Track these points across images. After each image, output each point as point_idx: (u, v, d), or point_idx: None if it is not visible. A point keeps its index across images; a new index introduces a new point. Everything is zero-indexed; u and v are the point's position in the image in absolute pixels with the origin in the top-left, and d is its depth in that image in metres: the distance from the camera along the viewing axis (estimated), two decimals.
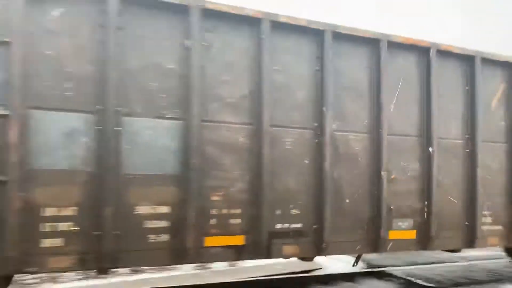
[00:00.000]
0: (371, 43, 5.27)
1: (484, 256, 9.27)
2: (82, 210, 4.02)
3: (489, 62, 5.99)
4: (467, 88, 5.85)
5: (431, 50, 5.55)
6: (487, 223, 5.90)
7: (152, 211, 4.27)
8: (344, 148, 5.12)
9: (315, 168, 4.93)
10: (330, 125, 4.97)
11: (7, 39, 3.81)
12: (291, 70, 4.91)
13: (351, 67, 5.20)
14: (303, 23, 4.90)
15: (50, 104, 3.96)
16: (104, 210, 4.04)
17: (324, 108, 4.96)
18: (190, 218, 4.34)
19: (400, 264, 8.26)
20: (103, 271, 4.24)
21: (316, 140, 4.96)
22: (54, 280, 6.48)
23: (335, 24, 5.04)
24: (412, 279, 7.05)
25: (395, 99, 5.41)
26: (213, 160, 4.49)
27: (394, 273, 7.43)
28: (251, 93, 4.70)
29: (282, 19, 4.81)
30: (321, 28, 4.95)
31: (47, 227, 3.92)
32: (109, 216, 4.05)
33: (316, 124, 4.98)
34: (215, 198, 4.49)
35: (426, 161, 5.52)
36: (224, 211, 4.54)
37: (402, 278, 7.16)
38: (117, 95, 4.13)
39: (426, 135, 5.52)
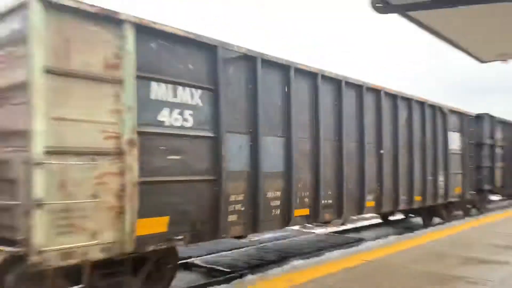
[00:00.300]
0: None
1: (275, 237, 11.43)
2: (246, 196, 6.36)
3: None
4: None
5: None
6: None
7: (273, 195, 6.84)
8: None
9: (335, 165, 8.20)
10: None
11: (212, 87, 5.92)
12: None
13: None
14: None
15: (232, 129, 6.17)
16: (257, 196, 6.45)
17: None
18: (291, 198, 7.05)
19: (203, 254, 8.96)
20: (244, 236, 6.76)
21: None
22: None
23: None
24: (215, 266, 7.98)
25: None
26: (297, 162, 7.25)
27: (198, 262, 8.22)
28: (310, 118, 7.64)
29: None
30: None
31: (231, 208, 6.14)
32: (261, 200, 6.51)
33: (337, 137, 8.23)
34: (299, 186, 7.29)
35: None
36: (302, 194, 7.38)
37: (205, 266, 8.02)
38: (259, 122, 6.55)
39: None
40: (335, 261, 7.23)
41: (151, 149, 5.13)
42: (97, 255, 4.59)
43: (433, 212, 13.31)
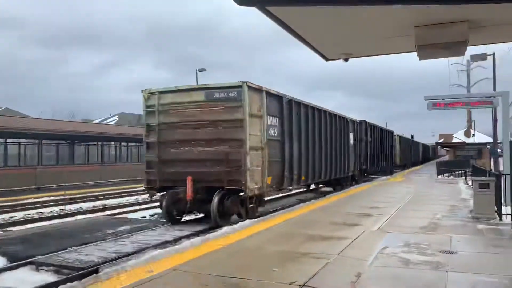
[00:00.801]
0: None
1: (131, 229, 10.72)
2: (288, 169, 14.03)
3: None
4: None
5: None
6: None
7: (297, 170, 14.83)
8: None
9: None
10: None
11: (280, 116, 13.35)
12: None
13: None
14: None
15: (287, 137, 13.78)
16: (293, 169, 14.75)
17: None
18: (304, 172, 15.44)
19: (50, 251, 8.51)
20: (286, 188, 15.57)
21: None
22: None
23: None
24: (65, 263, 7.63)
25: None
26: (305, 154, 15.18)
27: (47, 261, 7.76)
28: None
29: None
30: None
31: (285, 174, 13.89)
32: (294, 171, 14.24)
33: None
34: (307, 166, 15.79)
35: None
36: (307, 169, 15.52)
37: (53, 264, 7.58)
38: (293, 134, 14.45)
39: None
40: (194, 248, 7.32)
41: (269, 147, 12.39)
42: (257, 191, 11.70)
43: (337, 182, 20.67)
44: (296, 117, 14.49)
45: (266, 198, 13.51)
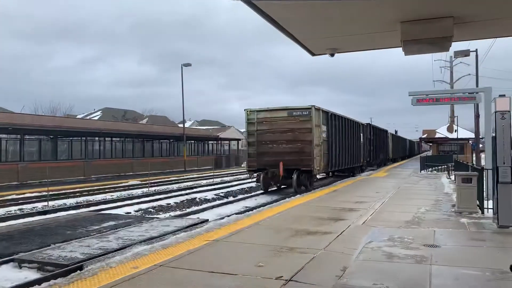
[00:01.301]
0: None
1: (115, 225, 12.58)
2: (329, 160, 22.42)
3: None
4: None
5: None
6: None
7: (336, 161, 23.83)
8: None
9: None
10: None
11: (327, 125, 21.29)
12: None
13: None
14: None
15: (330, 138, 22.49)
16: (332, 160, 22.91)
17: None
18: (344, 162, 25.11)
19: (34, 248, 8.45)
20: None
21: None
22: None
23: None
24: (48, 260, 7.42)
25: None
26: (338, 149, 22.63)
27: (30, 258, 7.61)
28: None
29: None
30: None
31: (331, 162, 23.33)
32: (333, 161, 22.66)
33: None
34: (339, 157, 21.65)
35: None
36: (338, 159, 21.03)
37: (36, 261, 7.41)
38: (332, 136, 22.36)
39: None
40: (180, 243, 7.28)
41: (323, 145, 20.32)
42: (316, 172, 19.61)
43: (351, 170, 26.98)
44: (334, 125, 22.38)
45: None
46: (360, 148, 28.50)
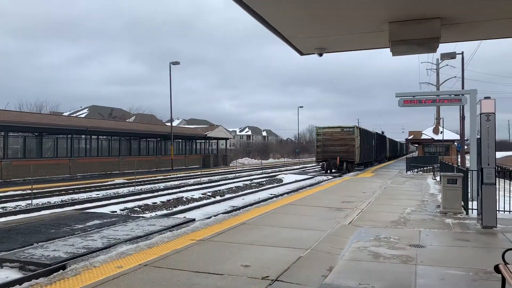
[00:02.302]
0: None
1: (101, 224, 12.28)
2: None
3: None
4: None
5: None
6: None
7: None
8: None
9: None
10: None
11: (359, 137, 35.82)
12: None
13: None
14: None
15: (366, 144, 38.72)
16: (367, 153, 40.01)
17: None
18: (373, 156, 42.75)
19: (15, 247, 8.33)
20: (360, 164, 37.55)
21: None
22: None
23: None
24: (30, 260, 7.24)
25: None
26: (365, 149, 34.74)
27: (11, 257, 7.45)
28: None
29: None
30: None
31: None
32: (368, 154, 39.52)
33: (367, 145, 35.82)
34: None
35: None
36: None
37: (18, 260, 7.23)
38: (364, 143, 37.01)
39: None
40: (165, 243, 7.21)
41: (358, 148, 34.20)
42: (356, 162, 34.56)
43: (365, 164, 38.00)
44: (362, 136, 35.26)
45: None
46: (372, 150, 41.35)
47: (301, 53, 6.84)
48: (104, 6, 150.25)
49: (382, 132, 64.92)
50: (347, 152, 32.95)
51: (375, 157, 43.33)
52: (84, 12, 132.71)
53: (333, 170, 33.26)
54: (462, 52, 29.67)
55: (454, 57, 30.48)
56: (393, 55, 6.15)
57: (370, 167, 38.93)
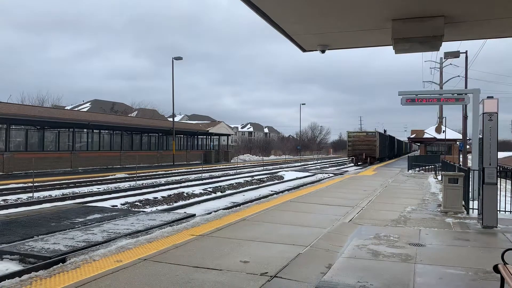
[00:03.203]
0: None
1: (101, 218, 13.44)
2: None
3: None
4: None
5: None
6: None
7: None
8: None
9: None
10: None
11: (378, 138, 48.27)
12: None
13: None
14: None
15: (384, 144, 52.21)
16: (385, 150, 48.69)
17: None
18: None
19: (16, 240, 8.33)
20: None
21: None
22: None
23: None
24: (31, 252, 7.29)
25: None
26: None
27: (11, 249, 7.46)
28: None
29: None
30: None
31: None
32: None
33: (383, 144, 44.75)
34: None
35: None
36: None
37: (18, 253, 7.25)
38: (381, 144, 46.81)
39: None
40: (165, 238, 7.22)
41: (378, 146, 46.84)
42: (377, 157, 47.76)
43: (382, 159, 49.48)
44: (380, 138, 47.68)
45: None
46: (386, 148, 52.98)
47: (304, 50, 6.81)
48: (110, 1, 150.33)
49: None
50: (370, 150, 46.04)
51: (387, 154, 56.01)
52: (91, 8, 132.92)
53: (359, 163, 45.90)
54: (466, 51, 29.48)
55: (458, 56, 30.35)
56: (395, 53, 6.12)
57: (383, 161, 49.11)
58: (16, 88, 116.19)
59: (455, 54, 29.83)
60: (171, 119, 48.83)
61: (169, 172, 30.77)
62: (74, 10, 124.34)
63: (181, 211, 13.39)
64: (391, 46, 5.82)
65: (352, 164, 46.96)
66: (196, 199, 17.10)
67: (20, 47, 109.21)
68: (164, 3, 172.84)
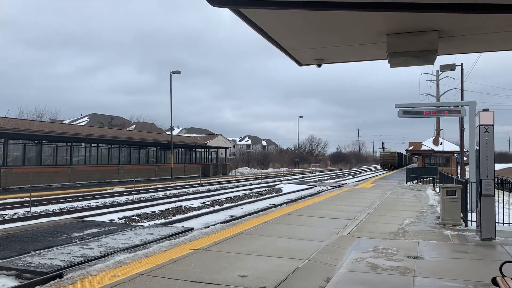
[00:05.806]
0: None
1: (98, 232, 13.50)
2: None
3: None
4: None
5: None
6: None
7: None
8: None
9: None
10: None
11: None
12: None
13: None
14: None
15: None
16: None
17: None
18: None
19: (13, 255, 8.18)
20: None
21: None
22: None
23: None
24: (27, 267, 7.18)
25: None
26: None
27: (8, 265, 7.34)
28: None
29: None
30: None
31: None
32: None
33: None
34: None
35: None
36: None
37: (14, 268, 7.13)
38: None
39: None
40: (163, 252, 7.19)
41: (395, 160, 77.80)
42: (395, 165, 77.58)
43: (395, 167, 75.17)
44: (397, 155, 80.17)
45: None
46: (398, 160, 76.81)
47: (300, 64, 6.87)
48: (117, 18, 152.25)
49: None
50: (393, 162, 73.48)
51: (398, 165, 76.90)
52: (98, 25, 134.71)
53: (385, 169, 71.70)
54: (462, 64, 29.77)
55: (454, 69, 30.61)
56: (391, 67, 6.19)
57: (396, 169, 69.84)
58: (14, 102, 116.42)
59: (451, 67, 30.10)
60: (169, 133, 48.88)
61: (167, 185, 30.69)
62: (83, 29, 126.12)
63: (179, 225, 13.33)
64: (386, 60, 5.89)
65: (351, 177, 54.32)
66: (194, 212, 17.03)
67: (28, 63, 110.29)
68: (170, 21, 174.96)
